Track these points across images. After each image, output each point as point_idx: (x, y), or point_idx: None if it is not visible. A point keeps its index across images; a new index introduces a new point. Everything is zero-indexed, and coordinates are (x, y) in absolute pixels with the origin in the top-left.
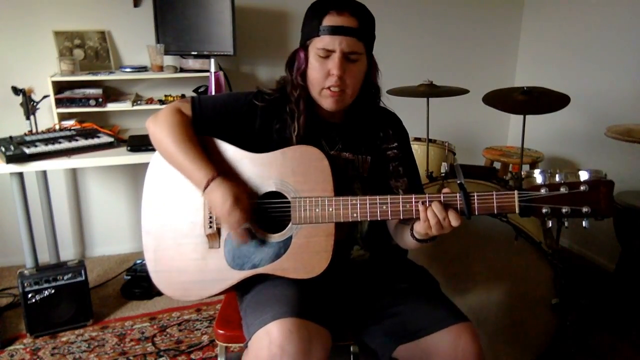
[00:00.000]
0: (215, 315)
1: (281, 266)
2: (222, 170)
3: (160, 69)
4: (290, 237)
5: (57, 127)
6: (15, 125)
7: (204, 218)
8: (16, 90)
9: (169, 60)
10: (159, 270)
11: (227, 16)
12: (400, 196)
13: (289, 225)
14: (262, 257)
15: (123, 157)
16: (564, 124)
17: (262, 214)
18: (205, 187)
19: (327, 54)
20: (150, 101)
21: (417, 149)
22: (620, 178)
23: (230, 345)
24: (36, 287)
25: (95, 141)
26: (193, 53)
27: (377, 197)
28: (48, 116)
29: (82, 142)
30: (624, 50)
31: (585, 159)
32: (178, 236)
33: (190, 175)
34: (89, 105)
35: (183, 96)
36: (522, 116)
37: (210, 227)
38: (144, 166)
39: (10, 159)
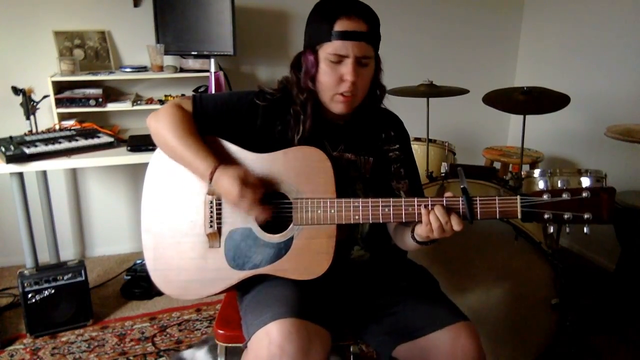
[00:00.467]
0: (215, 315)
1: (282, 267)
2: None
3: (160, 69)
4: (292, 238)
5: (57, 127)
6: (15, 125)
7: (204, 217)
8: (16, 90)
9: (169, 60)
10: (158, 269)
11: (227, 16)
12: (403, 199)
13: (290, 226)
14: (263, 257)
15: (123, 157)
16: (564, 124)
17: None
18: (211, 178)
19: (340, 59)
20: (150, 101)
21: (417, 149)
22: (620, 178)
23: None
24: (36, 287)
25: (95, 141)
26: (193, 53)
27: (380, 199)
28: (48, 116)
29: (82, 142)
30: (624, 50)
31: (585, 159)
32: (178, 235)
33: (194, 168)
34: (89, 105)
35: (183, 96)
36: (522, 116)
37: (211, 226)
38: (144, 166)
39: (10, 159)
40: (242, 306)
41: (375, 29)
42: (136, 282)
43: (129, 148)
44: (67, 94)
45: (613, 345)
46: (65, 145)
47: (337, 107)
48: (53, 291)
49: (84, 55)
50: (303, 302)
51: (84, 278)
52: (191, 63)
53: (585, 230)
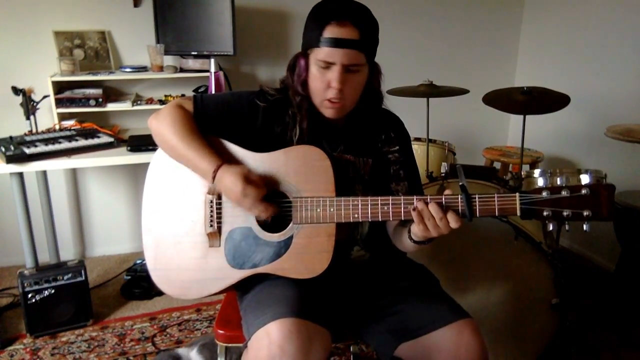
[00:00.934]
0: (215, 315)
1: (281, 266)
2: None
3: (160, 69)
4: (291, 237)
5: (57, 127)
6: (15, 125)
7: (204, 216)
8: (16, 90)
9: (169, 60)
10: (158, 269)
11: (227, 16)
12: (402, 197)
13: (290, 225)
14: (263, 256)
15: (123, 157)
16: (564, 124)
17: None
18: (214, 176)
19: (328, 65)
20: (150, 101)
21: (417, 149)
22: (620, 178)
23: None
24: (36, 287)
25: (95, 141)
26: (193, 53)
27: (379, 197)
28: (48, 116)
29: (82, 142)
30: (624, 50)
31: (585, 159)
32: (178, 234)
33: (196, 167)
34: (89, 105)
35: (183, 96)
36: (522, 116)
37: (211, 225)
38: (144, 166)
39: (10, 159)
40: (242, 306)
41: (368, 36)
42: (136, 282)
43: (129, 148)
44: (67, 94)
45: (613, 345)
46: (65, 145)
47: (326, 112)
48: (53, 291)
49: (84, 56)
50: (303, 301)
51: (84, 278)
52: (191, 63)
53: (585, 227)
